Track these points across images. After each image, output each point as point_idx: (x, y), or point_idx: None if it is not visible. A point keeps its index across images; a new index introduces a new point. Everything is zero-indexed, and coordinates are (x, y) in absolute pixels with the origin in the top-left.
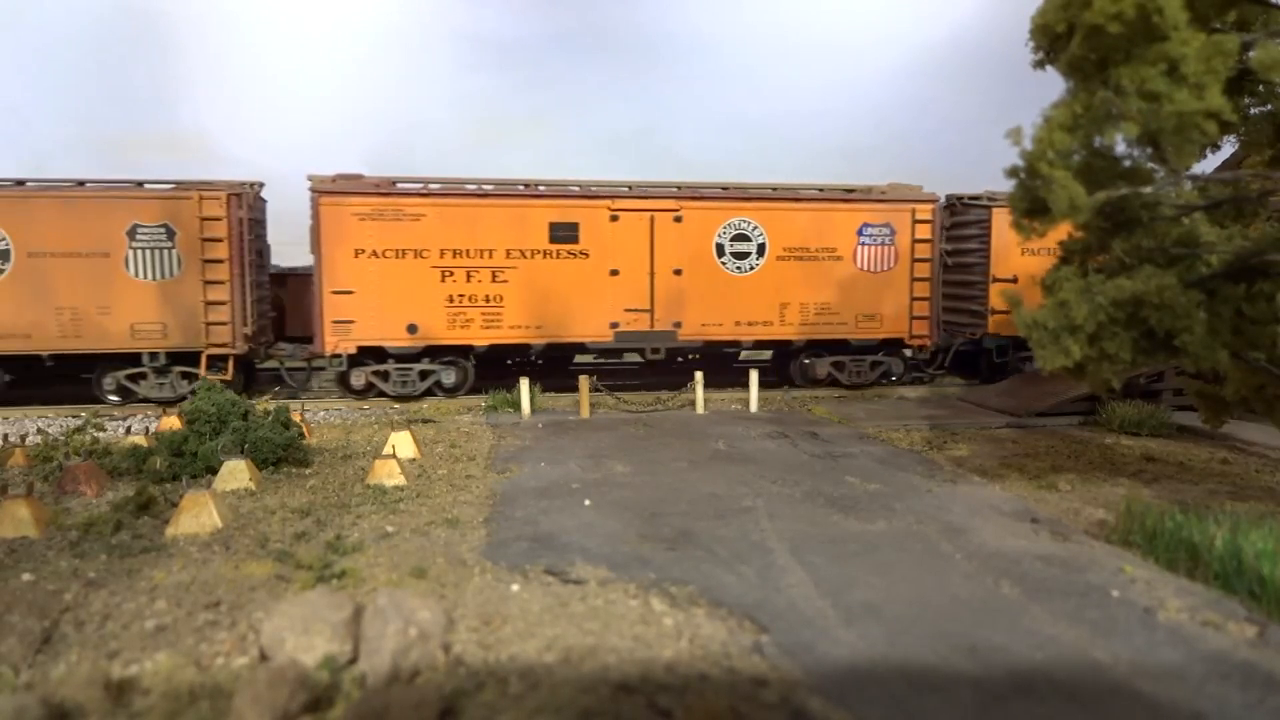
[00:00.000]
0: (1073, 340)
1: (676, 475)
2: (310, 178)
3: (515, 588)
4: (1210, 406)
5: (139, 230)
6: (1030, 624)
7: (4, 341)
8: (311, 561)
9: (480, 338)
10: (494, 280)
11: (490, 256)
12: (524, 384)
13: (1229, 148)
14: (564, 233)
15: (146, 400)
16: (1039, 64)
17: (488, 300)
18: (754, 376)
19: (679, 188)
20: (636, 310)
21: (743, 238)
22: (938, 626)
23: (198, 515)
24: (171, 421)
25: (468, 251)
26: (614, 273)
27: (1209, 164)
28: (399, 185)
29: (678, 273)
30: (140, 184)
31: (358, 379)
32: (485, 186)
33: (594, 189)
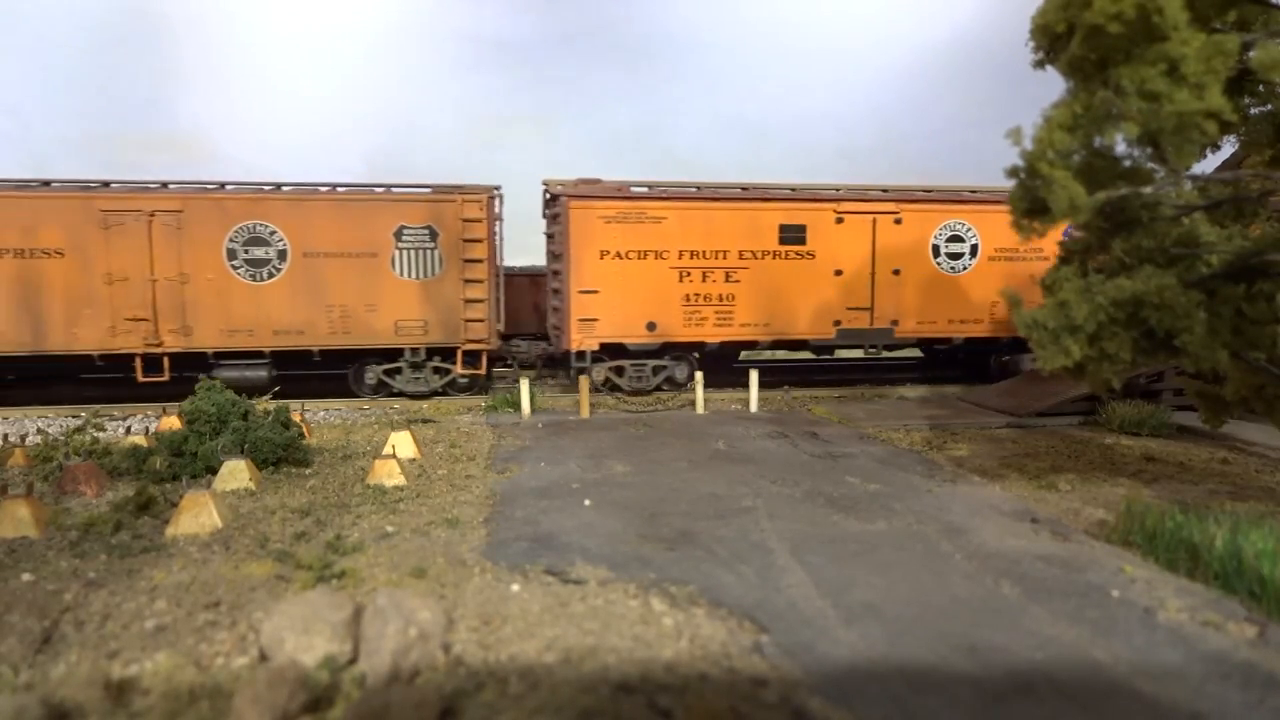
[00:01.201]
0: (1073, 340)
1: (676, 475)
2: (556, 183)
3: (515, 588)
4: (1210, 406)
5: (405, 231)
6: (1030, 624)
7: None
8: (311, 561)
9: (713, 335)
10: (727, 280)
11: (725, 258)
12: (524, 384)
13: (1229, 148)
14: (792, 234)
15: (401, 394)
16: (1039, 64)
17: (721, 299)
18: (754, 376)
19: (888, 190)
20: (857, 309)
21: (957, 239)
22: (938, 626)
23: (198, 515)
24: (171, 421)
25: (704, 253)
26: (838, 273)
27: (1209, 164)
28: (634, 189)
29: (896, 272)
30: (391, 188)
31: (599, 375)
32: (720, 190)
33: (821, 192)
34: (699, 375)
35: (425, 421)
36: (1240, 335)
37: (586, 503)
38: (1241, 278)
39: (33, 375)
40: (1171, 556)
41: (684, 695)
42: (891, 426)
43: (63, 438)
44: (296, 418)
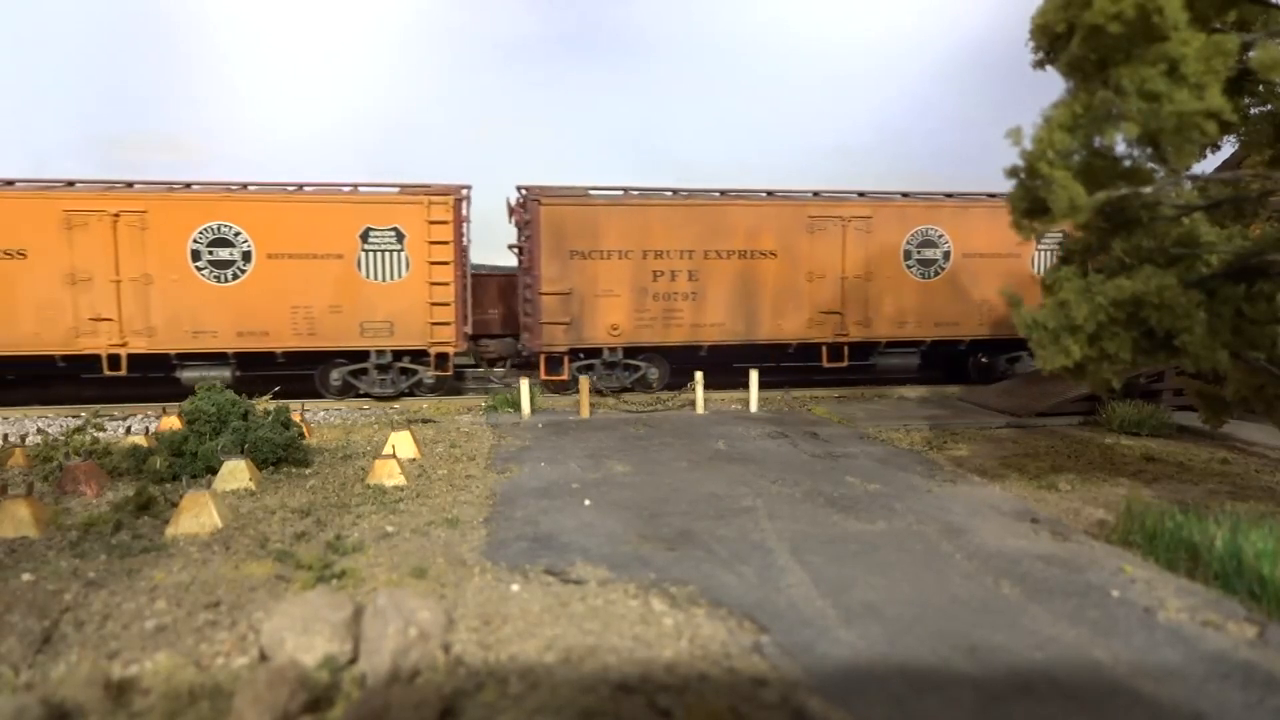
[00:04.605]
0: (1073, 340)
1: (676, 475)
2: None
3: (515, 588)
4: (1210, 406)
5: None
6: (1030, 624)
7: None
8: (311, 561)
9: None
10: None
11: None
12: (524, 384)
13: (1229, 148)
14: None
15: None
16: (1039, 64)
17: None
18: (754, 376)
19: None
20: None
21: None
22: (938, 626)
23: (198, 515)
24: (171, 421)
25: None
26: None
27: (1209, 164)
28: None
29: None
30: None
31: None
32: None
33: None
34: (699, 375)
35: (425, 421)
36: (1240, 335)
37: (586, 503)
38: (1241, 278)
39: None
40: (1171, 556)
41: (684, 695)
42: (891, 426)
43: (63, 438)
44: (296, 418)
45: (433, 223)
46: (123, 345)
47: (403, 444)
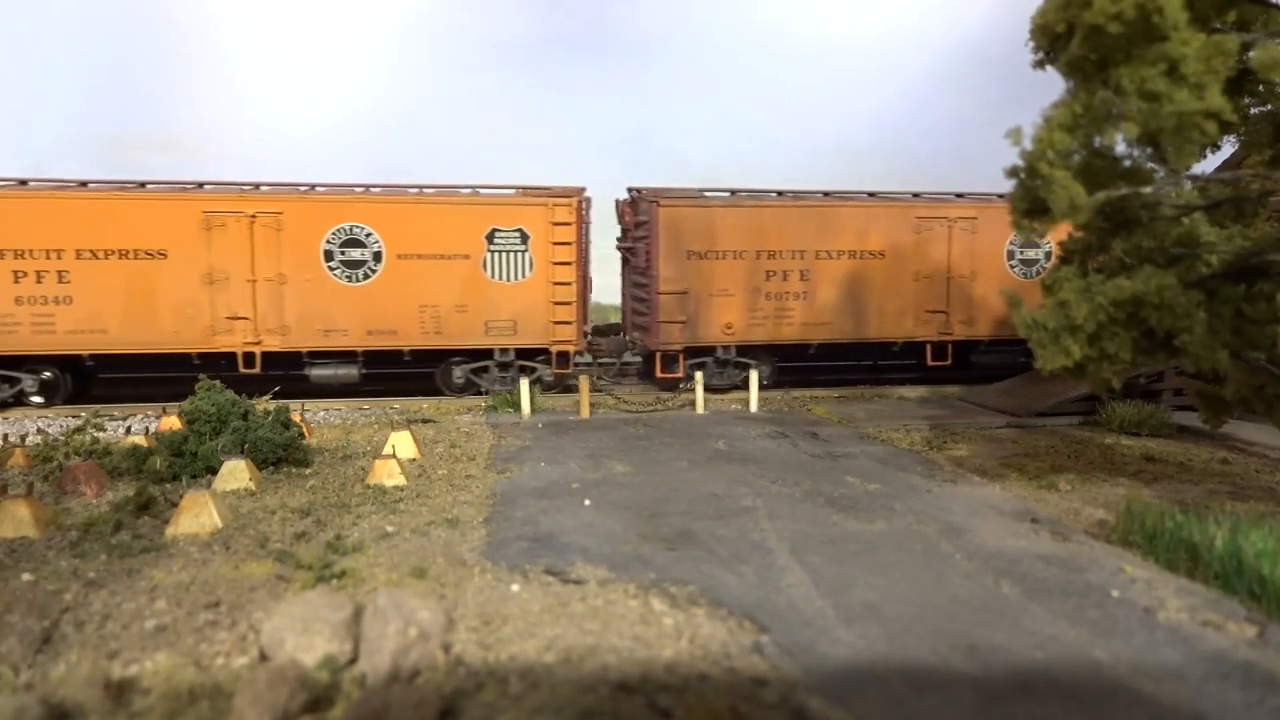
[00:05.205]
0: (1073, 340)
1: (676, 475)
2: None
3: (515, 588)
4: (1210, 406)
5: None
6: (1030, 624)
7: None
8: (311, 561)
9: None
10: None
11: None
12: (524, 384)
13: (1229, 148)
14: None
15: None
16: (1039, 64)
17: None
18: (754, 376)
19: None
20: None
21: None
22: (938, 626)
23: (198, 515)
24: (171, 421)
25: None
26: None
27: (1209, 164)
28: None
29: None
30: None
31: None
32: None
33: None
34: (699, 375)
35: (425, 421)
36: (1240, 335)
37: (586, 503)
38: (1241, 278)
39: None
40: (1171, 556)
41: (684, 695)
42: (891, 426)
43: (63, 438)
44: (296, 418)
45: (555, 224)
46: (257, 343)
47: (403, 444)
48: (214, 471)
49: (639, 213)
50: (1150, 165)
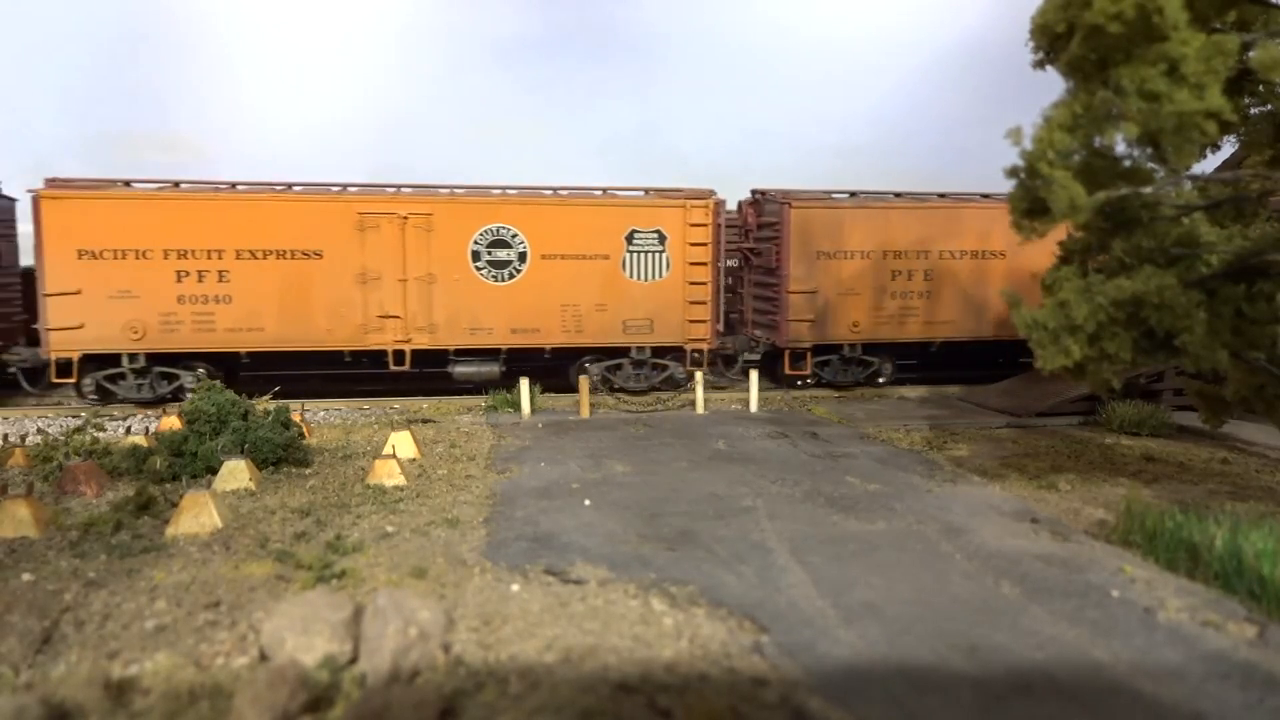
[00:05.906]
0: (1073, 340)
1: (676, 475)
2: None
3: (515, 588)
4: (1210, 406)
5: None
6: (1030, 624)
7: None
8: (311, 561)
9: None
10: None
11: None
12: (524, 384)
13: (1229, 148)
14: None
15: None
16: (1039, 64)
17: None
18: (754, 376)
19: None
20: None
21: None
22: (938, 626)
23: (198, 515)
24: (171, 421)
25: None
26: None
27: (1209, 164)
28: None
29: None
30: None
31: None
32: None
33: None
34: (699, 375)
35: (425, 421)
36: (1240, 335)
37: (586, 503)
38: (1241, 278)
39: None
40: (1171, 556)
41: (684, 695)
42: (891, 426)
43: (63, 438)
44: (296, 418)
45: (692, 225)
46: (407, 341)
47: (403, 444)
48: (214, 471)
49: (764, 214)
50: (1150, 165)
